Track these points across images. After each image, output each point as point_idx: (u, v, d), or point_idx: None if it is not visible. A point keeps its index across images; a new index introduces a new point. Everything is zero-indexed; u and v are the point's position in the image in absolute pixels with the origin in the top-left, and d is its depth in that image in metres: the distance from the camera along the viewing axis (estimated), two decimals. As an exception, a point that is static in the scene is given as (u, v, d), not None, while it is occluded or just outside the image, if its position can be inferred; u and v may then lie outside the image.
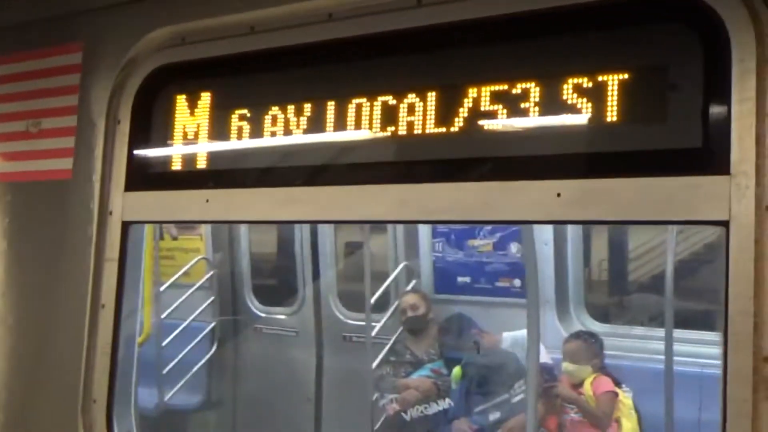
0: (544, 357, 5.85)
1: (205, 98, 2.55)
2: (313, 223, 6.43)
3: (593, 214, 1.96)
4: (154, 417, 6.97)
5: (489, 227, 6.40)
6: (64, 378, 2.71)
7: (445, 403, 5.90)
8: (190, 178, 2.58)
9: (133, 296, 2.73)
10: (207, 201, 2.52)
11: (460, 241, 6.68)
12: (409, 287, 6.91)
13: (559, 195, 1.93)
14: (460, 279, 6.74)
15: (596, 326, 6.25)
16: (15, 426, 2.83)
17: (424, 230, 6.87)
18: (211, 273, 7.75)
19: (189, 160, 2.59)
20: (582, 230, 6.42)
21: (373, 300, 6.64)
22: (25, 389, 2.84)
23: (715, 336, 5.30)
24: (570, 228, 6.22)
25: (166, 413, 7.17)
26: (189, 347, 7.43)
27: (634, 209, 1.86)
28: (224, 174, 2.53)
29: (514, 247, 6.38)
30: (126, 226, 2.67)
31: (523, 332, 5.63)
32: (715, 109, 1.77)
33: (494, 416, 5.60)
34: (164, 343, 7.24)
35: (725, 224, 1.73)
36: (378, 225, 7.04)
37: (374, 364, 6.41)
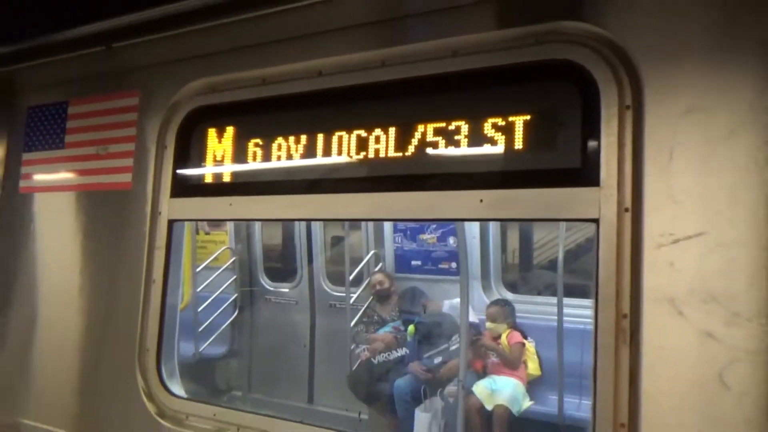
0: (473, 317, 5.89)
1: (230, 131, 2.54)
2: (308, 221, 6.40)
3: (505, 214, 1.99)
4: (191, 363, 6.89)
5: (434, 225, 6.41)
6: (126, 333, 2.67)
7: (403, 351, 5.87)
8: (218, 188, 2.56)
9: (176, 274, 2.69)
10: (230, 205, 2.50)
11: (413, 235, 6.67)
12: (377, 268, 6.88)
13: (481, 201, 1.95)
14: (413, 262, 6.72)
15: (510, 295, 6.28)
16: (91, 367, 2.80)
17: (387, 227, 6.85)
18: (234, 259, 7.64)
19: (217, 175, 2.57)
20: (500, 228, 6.47)
21: (351, 277, 6.61)
22: (98, 340, 2.80)
23: (590, 302, 5.37)
24: (491, 227, 6.27)
25: (201, 360, 7.06)
26: (217, 312, 7.31)
27: (534, 210, 1.90)
28: (243, 185, 2.50)
29: (451, 240, 6.41)
30: (171, 223, 2.64)
31: (458, 300, 5.67)
32: (590, 141, 1.80)
33: (438, 359, 5.58)
34: (199, 309, 7.14)
35: (596, 221, 1.77)
36: (354, 224, 7.03)
37: (351, 324, 6.39)
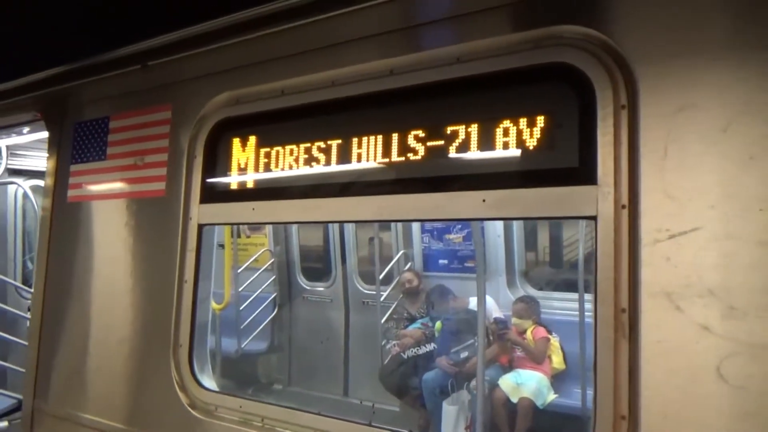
0: (499, 313, 5.82)
1: (252, 140, 2.57)
2: (322, 224, 6.44)
3: (507, 213, 1.94)
4: (234, 359, 7.01)
5: (459, 225, 6.38)
6: (162, 328, 2.72)
7: (431, 346, 5.84)
8: (242, 194, 2.59)
9: (207, 275, 2.74)
10: (253, 209, 2.54)
11: (440, 235, 6.65)
12: (406, 267, 6.88)
13: (484, 200, 1.93)
14: (440, 261, 6.70)
15: (533, 292, 6.19)
16: (131, 359, 2.86)
17: (415, 228, 6.85)
18: (273, 260, 7.75)
19: (241, 182, 2.60)
20: (528, 226, 6.38)
21: (381, 276, 6.63)
22: (138, 335, 2.86)
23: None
24: (516, 226, 6.19)
25: (243, 356, 7.18)
26: (258, 310, 7.43)
27: (534, 209, 1.86)
28: (264, 191, 2.53)
29: (476, 239, 6.35)
30: (201, 227, 2.68)
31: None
32: (587, 141, 1.77)
33: (464, 354, 5.54)
34: (241, 308, 7.27)
35: (594, 218, 1.73)
36: (385, 225, 7.04)
37: (382, 320, 6.41)
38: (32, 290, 3.54)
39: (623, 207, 1.68)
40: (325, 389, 7.07)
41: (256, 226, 7.69)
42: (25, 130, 4.21)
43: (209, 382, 2.63)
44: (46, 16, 3.17)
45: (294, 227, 7.69)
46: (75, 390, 3.08)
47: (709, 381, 1.51)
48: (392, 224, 6.96)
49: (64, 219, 3.30)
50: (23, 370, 3.44)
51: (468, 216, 1.99)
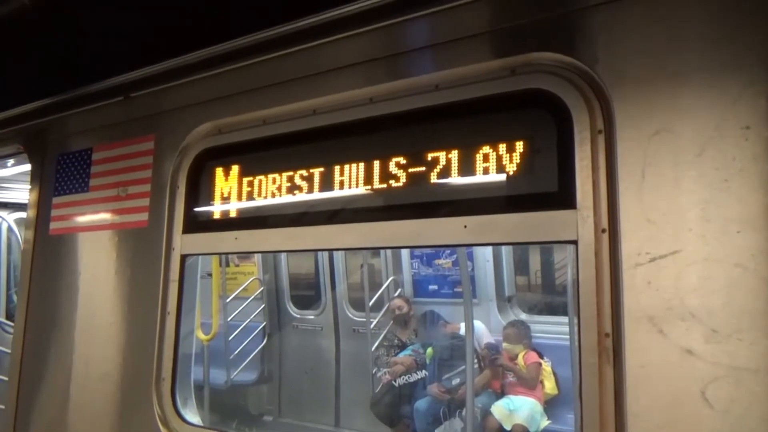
0: (490, 338, 5.79)
1: (235, 170, 2.56)
2: (305, 252, 6.40)
3: (488, 239, 1.93)
4: (223, 390, 6.89)
5: (448, 251, 6.37)
6: (144, 361, 2.67)
7: (422, 373, 5.80)
8: (224, 224, 2.56)
9: (190, 306, 2.70)
10: (236, 239, 2.52)
11: (429, 260, 6.64)
12: (396, 294, 6.84)
13: (465, 227, 1.92)
14: (430, 287, 6.68)
15: (524, 316, 6.15)
16: (114, 393, 2.80)
17: (405, 254, 6.83)
18: (262, 288, 7.70)
19: (224, 211, 2.58)
20: (518, 250, 6.38)
21: (371, 303, 6.58)
22: (120, 369, 2.80)
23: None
24: (504, 250, 6.18)
25: (233, 387, 7.07)
26: (248, 340, 7.34)
27: (515, 234, 1.86)
28: (246, 220, 2.51)
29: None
30: (183, 258, 2.65)
31: (475, 322, 5.57)
32: (565, 166, 1.77)
33: (456, 381, 5.50)
34: (230, 338, 7.17)
35: (575, 243, 1.72)
36: (374, 252, 7.02)
37: (373, 348, 6.34)
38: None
39: (603, 231, 1.67)
40: (316, 419, 6.95)
41: (245, 255, 7.64)
42: (9, 163, 4.19)
43: (192, 416, 2.57)
44: (29, 50, 3.19)
45: (283, 255, 7.64)
46: (56, 426, 3.00)
47: (695, 405, 1.49)
48: (381, 250, 6.94)
49: (46, 251, 3.25)
50: (2, 407, 3.36)
51: (450, 242, 1.98)
